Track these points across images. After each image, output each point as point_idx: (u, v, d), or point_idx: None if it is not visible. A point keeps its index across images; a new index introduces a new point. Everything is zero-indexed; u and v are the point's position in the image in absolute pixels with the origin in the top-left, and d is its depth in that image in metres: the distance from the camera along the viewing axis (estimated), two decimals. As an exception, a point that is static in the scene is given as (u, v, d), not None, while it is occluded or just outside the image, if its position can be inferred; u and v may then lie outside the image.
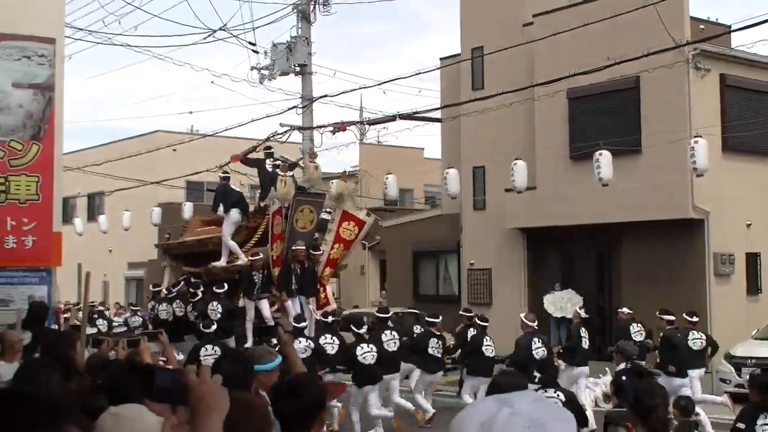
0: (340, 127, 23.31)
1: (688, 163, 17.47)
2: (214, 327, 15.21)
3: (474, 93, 25.05)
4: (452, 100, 25.70)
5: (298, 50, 23.57)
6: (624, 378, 10.85)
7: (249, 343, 16.27)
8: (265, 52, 24.14)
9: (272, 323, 16.14)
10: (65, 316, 21.05)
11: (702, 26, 22.99)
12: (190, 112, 79.22)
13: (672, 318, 15.45)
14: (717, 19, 24.67)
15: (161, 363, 8.05)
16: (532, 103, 23.48)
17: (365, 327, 15.10)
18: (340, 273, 20.17)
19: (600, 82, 21.44)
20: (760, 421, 7.91)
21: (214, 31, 23.87)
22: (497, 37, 24.14)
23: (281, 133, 23.99)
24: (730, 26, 23.04)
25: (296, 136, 24.42)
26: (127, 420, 3.31)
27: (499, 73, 24.78)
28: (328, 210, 18.48)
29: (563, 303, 23.41)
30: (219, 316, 16.45)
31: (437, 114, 26.54)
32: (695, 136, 17.45)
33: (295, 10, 23.73)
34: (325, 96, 23.89)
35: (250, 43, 24.32)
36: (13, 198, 11.33)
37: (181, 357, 14.70)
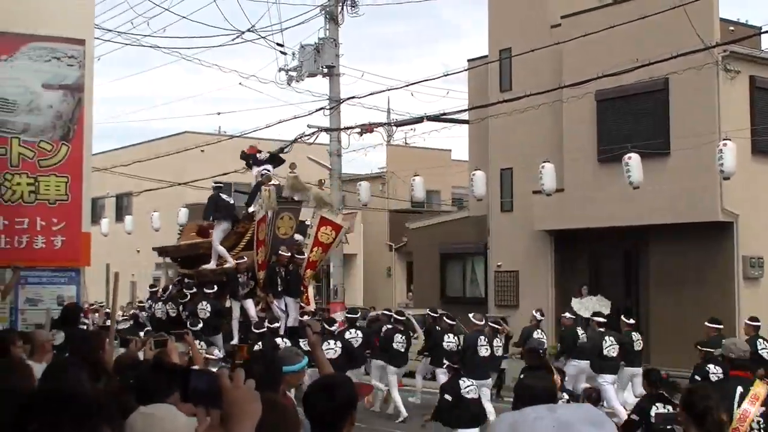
0: (367, 128, 23.31)
1: (717, 166, 17.34)
2: (201, 325, 16.88)
3: (502, 94, 25.00)
4: (480, 101, 25.65)
5: (326, 51, 23.59)
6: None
7: (235, 340, 17.45)
8: (293, 54, 24.18)
9: (256, 320, 17.04)
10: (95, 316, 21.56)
11: (732, 28, 22.83)
12: (218, 113, 79.60)
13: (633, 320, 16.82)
14: (747, 21, 24.53)
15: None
16: (560, 105, 23.39)
17: (336, 324, 16.41)
18: (317, 276, 20.97)
19: (628, 83, 21.34)
20: (652, 411, 8.73)
21: (243, 33, 23.93)
22: (525, 39, 24.08)
23: (309, 135, 24.02)
24: (760, 28, 22.86)
25: (324, 138, 24.45)
26: (157, 420, 3.33)
27: (527, 74, 24.72)
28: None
29: (591, 304, 23.38)
30: (207, 315, 17.49)
31: (465, 115, 26.49)
32: (724, 139, 17.31)
33: (323, 12, 23.76)
34: (353, 97, 23.90)
35: (278, 44, 24.39)
36: (43, 198, 11.40)
37: (217, 353, 15.46)
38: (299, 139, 24.13)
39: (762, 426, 7.44)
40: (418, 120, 23.82)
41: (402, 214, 36.41)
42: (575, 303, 23.54)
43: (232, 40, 24.39)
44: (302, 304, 17.84)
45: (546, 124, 24.63)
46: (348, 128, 23.77)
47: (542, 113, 23.15)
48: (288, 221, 18.13)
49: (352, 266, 37.13)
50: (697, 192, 21.26)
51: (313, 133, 24.10)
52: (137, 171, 30.38)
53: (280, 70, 24.37)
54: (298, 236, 18.75)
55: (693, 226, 21.45)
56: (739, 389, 7.66)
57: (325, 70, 23.87)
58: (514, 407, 5.61)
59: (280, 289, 17.50)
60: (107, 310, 23.98)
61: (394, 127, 24.58)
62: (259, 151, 19.45)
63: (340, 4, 23.67)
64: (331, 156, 24.01)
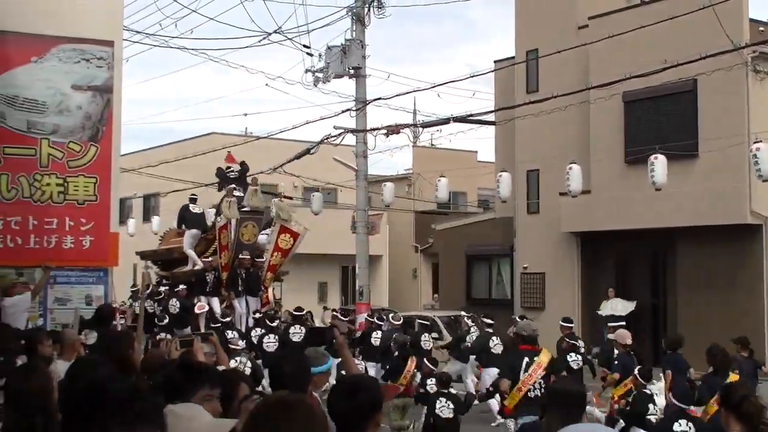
0: (393, 129, 23.30)
1: (751, 168, 17.14)
2: (167, 320, 19.21)
3: (528, 96, 24.93)
4: (506, 102, 25.58)
5: (353, 53, 23.59)
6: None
7: None
8: (320, 55, 24.20)
9: (220, 316, 18.84)
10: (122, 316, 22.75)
11: (761, 28, 22.66)
12: (245, 114, 79.74)
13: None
14: (777, 22, 24.28)
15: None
16: (587, 106, 23.30)
17: (277, 320, 18.69)
18: (277, 278, 22.47)
19: (656, 84, 21.19)
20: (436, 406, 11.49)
21: (269, 34, 23.96)
22: (552, 40, 23.98)
23: (335, 136, 24.05)
24: (790, 29, 22.67)
25: (350, 139, 24.47)
26: (184, 419, 3.34)
27: (554, 75, 24.64)
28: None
29: (614, 304, 23.39)
30: (177, 310, 19.58)
31: (491, 117, 26.43)
32: (756, 141, 17.14)
33: (350, 13, 23.77)
34: (379, 99, 23.88)
35: (304, 45, 24.41)
36: (72, 199, 11.48)
37: (241, 343, 16.45)
38: (325, 140, 24.18)
39: (541, 385, 9.86)
40: (445, 121, 23.77)
41: (428, 216, 36.37)
42: (605, 307, 23.59)
43: (259, 41, 24.40)
44: (258, 307, 19.81)
45: (573, 126, 24.54)
46: (374, 129, 23.77)
47: (569, 114, 23.05)
48: (252, 229, 20.17)
49: (378, 267, 37.12)
50: (726, 194, 21.11)
51: (340, 134, 24.12)
52: (164, 172, 30.50)
53: (307, 71, 24.40)
54: (262, 236, 20.75)
55: (721, 228, 21.30)
56: (526, 359, 10.08)
57: (352, 72, 23.87)
58: (543, 411, 5.66)
59: (240, 289, 19.69)
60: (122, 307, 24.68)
61: (420, 129, 24.54)
62: (229, 167, 21.42)
63: (367, 5, 23.67)
64: (357, 157, 24.02)
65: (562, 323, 16.51)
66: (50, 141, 11.37)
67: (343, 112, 24.16)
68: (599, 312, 23.64)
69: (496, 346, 17.31)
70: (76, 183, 11.49)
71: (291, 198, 22.41)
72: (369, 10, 23.69)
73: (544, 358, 10.29)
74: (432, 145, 35.90)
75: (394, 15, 33.76)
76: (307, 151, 24.80)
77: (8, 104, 11.21)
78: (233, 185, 20.88)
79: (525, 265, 27.19)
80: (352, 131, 24.00)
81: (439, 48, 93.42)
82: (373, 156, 25.52)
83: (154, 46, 31.58)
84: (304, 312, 19.79)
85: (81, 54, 11.58)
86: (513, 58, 27.49)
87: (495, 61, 29.12)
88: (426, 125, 24.62)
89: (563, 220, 25.05)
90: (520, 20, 27.54)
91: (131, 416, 2.32)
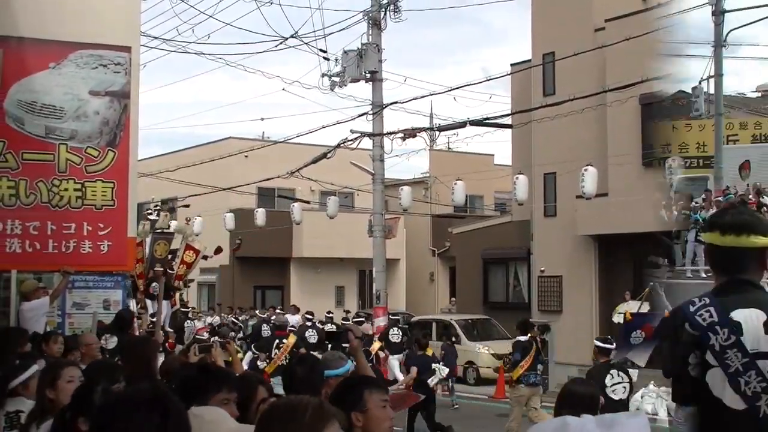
0: (410, 133, 23.31)
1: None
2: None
3: (545, 99, 24.90)
4: (523, 105, 25.55)
5: (369, 57, 23.62)
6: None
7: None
8: (336, 59, 24.25)
9: (135, 314, 20.93)
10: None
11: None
12: (262, 119, 79.77)
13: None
14: (794, 23, 24.21)
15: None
16: (604, 109, 23.24)
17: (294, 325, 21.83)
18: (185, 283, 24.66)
19: (673, 87, 21.17)
20: None
21: (286, 39, 24.02)
22: (569, 43, 23.94)
23: (352, 140, 24.09)
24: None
25: (366, 143, 24.52)
26: (205, 423, 3.35)
27: (571, 78, 24.58)
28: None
29: (631, 308, 23.29)
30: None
31: (508, 120, 26.40)
32: None
33: (366, 17, 23.80)
34: (396, 102, 23.91)
35: (321, 50, 24.46)
36: (90, 204, 11.51)
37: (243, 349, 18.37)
38: (342, 144, 24.22)
39: (287, 358, 14.32)
40: (461, 124, 23.78)
41: (445, 219, 36.36)
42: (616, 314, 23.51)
43: (276, 46, 24.57)
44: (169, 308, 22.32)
45: (590, 128, 24.48)
46: (391, 133, 23.79)
47: (586, 117, 23.01)
48: (163, 246, 22.46)
49: (395, 271, 37.16)
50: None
51: (356, 138, 24.16)
52: (182, 176, 30.65)
53: (323, 75, 24.46)
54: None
55: (739, 230, 21.18)
56: (277, 341, 14.91)
57: (368, 76, 23.90)
58: (557, 412, 5.66)
59: (155, 294, 22.53)
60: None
61: (437, 132, 24.55)
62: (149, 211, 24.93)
63: (383, 9, 23.69)
64: (373, 161, 24.05)
65: (305, 315, 22.90)
66: (68, 146, 11.39)
67: (359, 116, 24.23)
68: (614, 319, 23.55)
69: (394, 335, 20.56)
70: (93, 188, 11.51)
71: (311, 203, 23.74)
72: (385, 14, 23.72)
73: (291, 340, 15.70)
74: (449, 148, 35.90)
75: (410, 18, 33.80)
76: (324, 155, 24.86)
77: (27, 110, 11.25)
78: (149, 210, 24.56)
79: (542, 268, 27.13)
80: (369, 135, 24.03)
81: (456, 51, 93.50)
82: (389, 159, 25.60)
83: (172, 51, 31.82)
84: (312, 317, 22.52)
85: (98, 59, 11.61)
86: (529, 61, 27.46)
87: (511, 65, 29.09)
88: (442, 129, 24.63)
89: (580, 223, 24.99)
90: (536, 23, 27.50)
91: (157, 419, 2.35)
